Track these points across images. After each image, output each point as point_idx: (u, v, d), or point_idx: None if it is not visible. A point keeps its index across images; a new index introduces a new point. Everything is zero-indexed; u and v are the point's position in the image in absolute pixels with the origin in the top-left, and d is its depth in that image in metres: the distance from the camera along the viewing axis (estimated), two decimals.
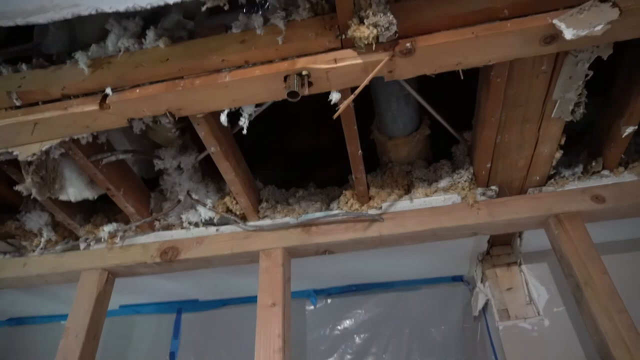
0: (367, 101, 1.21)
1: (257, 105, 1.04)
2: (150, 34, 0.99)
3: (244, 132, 1.03)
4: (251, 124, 1.03)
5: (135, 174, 1.38)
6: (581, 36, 0.80)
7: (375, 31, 0.83)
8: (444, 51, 0.88)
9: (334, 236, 1.33)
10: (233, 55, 0.93)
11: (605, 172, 1.26)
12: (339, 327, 2.00)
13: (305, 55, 0.92)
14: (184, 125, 1.11)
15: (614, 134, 1.16)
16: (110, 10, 0.79)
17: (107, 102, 0.98)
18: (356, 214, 1.32)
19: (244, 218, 1.40)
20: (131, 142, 1.31)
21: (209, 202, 1.37)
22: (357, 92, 0.88)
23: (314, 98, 0.97)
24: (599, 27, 0.79)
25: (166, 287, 1.90)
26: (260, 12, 0.99)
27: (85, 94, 1.00)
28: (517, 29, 0.84)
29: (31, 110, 1.02)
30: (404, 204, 1.33)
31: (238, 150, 1.26)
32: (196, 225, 1.43)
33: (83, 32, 1.08)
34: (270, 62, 0.93)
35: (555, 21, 0.82)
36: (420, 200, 1.32)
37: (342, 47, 0.90)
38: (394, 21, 0.83)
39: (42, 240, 1.51)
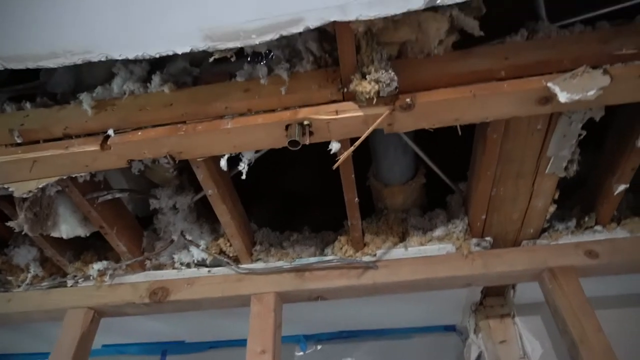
0: (364, 148, 1.23)
1: (256, 151, 1.05)
2: (156, 78, 1.01)
3: (243, 177, 1.03)
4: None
5: (129, 212, 1.37)
6: (575, 100, 0.83)
7: (376, 86, 0.86)
8: (443, 107, 0.91)
9: (327, 282, 1.32)
10: (236, 102, 0.95)
11: (598, 227, 1.27)
12: None
13: (308, 105, 0.94)
14: (182, 165, 1.12)
15: (606, 191, 1.18)
16: (120, 58, 0.81)
17: (108, 143, 0.99)
18: (350, 260, 1.31)
19: (237, 260, 1.39)
20: (128, 181, 1.31)
21: (202, 243, 1.36)
22: (356, 144, 0.90)
23: None
24: (591, 93, 0.83)
25: (152, 327, 1.85)
26: (265, 62, 1.02)
27: (87, 134, 1.01)
28: (514, 90, 0.88)
29: (32, 148, 1.02)
30: (398, 252, 1.32)
31: (235, 192, 1.26)
32: (188, 266, 1.41)
33: (89, 73, 1.10)
34: (273, 110, 0.95)
35: (550, 84, 0.85)
36: (415, 248, 1.31)
37: (343, 100, 0.93)
38: (395, 77, 0.86)
39: (29, 275, 1.47)
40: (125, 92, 1.03)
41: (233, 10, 0.76)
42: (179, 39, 0.79)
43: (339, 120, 0.92)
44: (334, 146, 0.96)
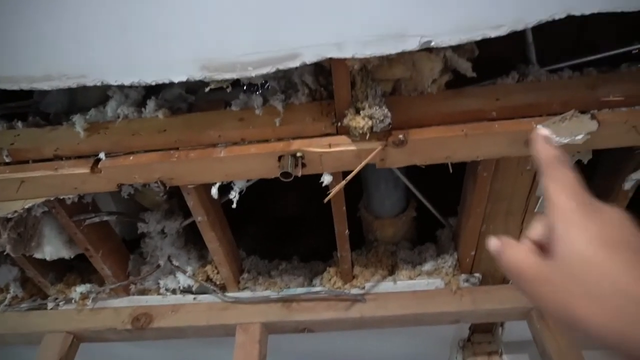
0: (356, 179, 1.23)
1: (248, 180, 1.05)
2: (151, 104, 1.01)
3: (234, 205, 1.03)
4: None
5: (116, 235, 1.35)
6: (563, 144, 0.84)
7: (370, 122, 0.87)
8: (435, 145, 0.92)
9: (314, 314, 1.30)
10: (230, 131, 0.95)
11: None
12: None
13: (301, 137, 0.94)
14: (173, 189, 1.11)
15: None
16: (115, 83, 0.81)
17: (99, 166, 0.98)
18: (338, 292, 1.30)
19: (223, 288, 1.37)
20: (117, 203, 1.29)
21: (189, 269, 1.34)
22: (348, 178, 0.90)
23: None
24: (579, 137, 0.84)
25: (133, 353, 1.79)
26: (260, 92, 1.04)
27: (78, 157, 1.00)
28: (505, 131, 0.89)
29: (20, 168, 1.01)
30: (387, 286, 1.31)
31: (225, 220, 1.25)
32: (173, 292, 1.39)
33: (84, 95, 1.10)
34: (266, 141, 0.95)
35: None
36: (404, 282, 1.31)
37: (337, 133, 0.94)
38: (389, 114, 0.87)
39: (8, 296, 1.43)
40: (119, 116, 1.03)
41: (231, 43, 0.77)
42: (175, 68, 0.79)
43: (331, 153, 0.92)
44: (326, 179, 0.96)
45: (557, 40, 1.01)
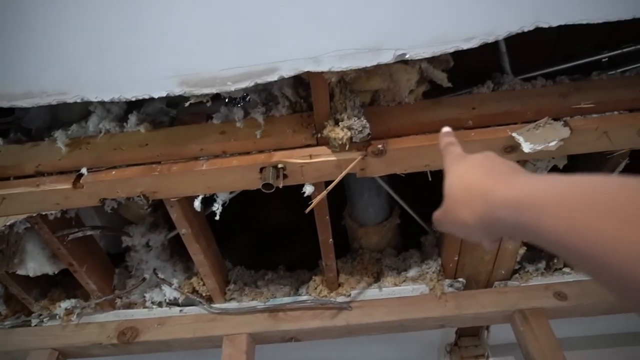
0: (339, 187, 1.24)
1: (231, 192, 1.05)
2: (133, 118, 1.02)
3: (217, 217, 1.03)
4: None
5: (100, 249, 1.34)
6: (537, 150, 0.87)
7: (349, 133, 0.88)
8: (414, 154, 0.94)
9: (301, 323, 1.30)
10: (212, 145, 0.96)
11: (567, 269, 1.30)
12: None
13: (282, 149, 0.96)
14: (157, 202, 1.11)
15: None
16: (95, 100, 0.81)
17: (81, 181, 0.98)
18: (324, 301, 1.31)
19: (209, 300, 1.37)
20: (100, 217, 1.29)
21: (175, 281, 1.34)
22: (329, 188, 0.92)
23: None
24: (553, 143, 0.87)
25: None
26: (241, 105, 1.04)
27: (59, 172, 1.00)
28: (481, 139, 0.91)
29: (1, 185, 1.00)
30: (372, 293, 1.32)
31: (209, 231, 1.25)
32: (159, 305, 1.38)
33: (65, 110, 1.10)
34: (248, 153, 0.96)
35: (514, 134, 0.89)
36: (389, 289, 1.32)
37: (317, 144, 0.95)
38: (367, 125, 0.88)
39: None
40: (101, 131, 1.03)
41: (209, 58, 0.78)
42: (155, 83, 0.80)
43: (312, 164, 0.93)
44: (308, 189, 0.98)
45: (533, 49, 1.04)
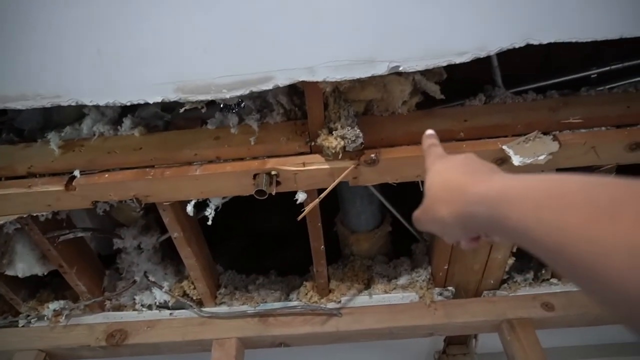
0: (332, 194, 1.25)
1: (224, 197, 1.06)
2: (127, 122, 1.02)
3: (209, 222, 1.03)
4: None
5: (91, 251, 1.34)
6: (527, 163, 0.88)
7: (342, 142, 0.89)
8: (406, 164, 0.95)
9: (291, 329, 1.31)
10: (206, 150, 0.96)
11: (554, 280, 1.32)
12: None
13: (276, 156, 0.96)
14: (149, 205, 1.11)
15: None
16: (90, 104, 0.82)
17: (73, 184, 0.98)
18: (314, 307, 1.31)
19: (200, 303, 1.36)
20: (92, 219, 1.28)
21: (165, 284, 1.34)
22: (321, 197, 0.93)
23: None
24: (542, 157, 0.88)
25: None
26: (236, 111, 1.05)
27: (52, 174, 1.00)
28: (472, 151, 0.91)
29: None
30: (363, 299, 1.33)
31: (201, 235, 1.26)
32: (149, 307, 1.38)
33: (59, 112, 1.10)
34: (242, 159, 0.97)
35: (505, 147, 0.91)
36: (379, 296, 1.33)
37: (311, 152, 0.96)
38: (361, 134, 0.89)
39: None
40: (95, 134, 1.03)
41: (205, 66, 0.79)
42: (150, 89, 0.81)
43: (305, 172, 0.94)
44: (301, 196, 0.98)
45: (524, 60, 1.06)
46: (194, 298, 1.35)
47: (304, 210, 0.96)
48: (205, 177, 0.96)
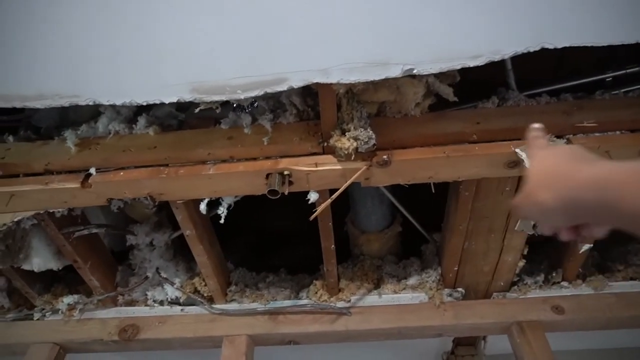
0: (343, 195, 1.25)
1: (236, 196, 1.07)
2: (142, 120, 1.03)
3: (222, 221, 1.05)
4: None
5: (104, 247, 1.36)
6: None
7: (355, 143, 0.89)
8: (418, 166, 0.95)
9: (300, 327, 1.32)
10: (219, 150, 0.97)
11: (565, 283, 1.31)
12: None
13: (288, 156, 0.97)
14: (162, 203, 1.13)
15: (572, 249, 1.23)
16: (107, 103, 0.83)
17: (89, 181, 1.00)
18: (324, 305, 1.32)
19: (211, 300, 1.38)
20: (106, 216, 1.30)
21: (177, 281, 1.35)
22: (333, 197, 0.93)
23: None
24: None
25: None
26: (249, 111, 1.06)
27: (68, 172, 1.02)
28: (484, 154, 0.92)
29: (10, 182, 1.02)
30: (372, 299, 1.34)
31: (213, 233, 1.27)
32: (161, 303, 1.40)
33: (75, 110, 1.12)
34: (254, 159, 0.98)
35: (517, 150, 0.90)
36: (389, 296, 1.33)
37: (323, 153, 0.96)
38: (373, 136, 0.90)
39: None
40: (111, 132, 1.04)
41: (220, 67, 0.80)
42: (166, 90, 0.82)
43: (318, 172, 0.95)
44: (312, 196, 0.99)
45: (538, 63, 1.05)
46: (205, 295, 1.37)
47: (316, 210, 0.97)
48: (218, 176, 0.97)
